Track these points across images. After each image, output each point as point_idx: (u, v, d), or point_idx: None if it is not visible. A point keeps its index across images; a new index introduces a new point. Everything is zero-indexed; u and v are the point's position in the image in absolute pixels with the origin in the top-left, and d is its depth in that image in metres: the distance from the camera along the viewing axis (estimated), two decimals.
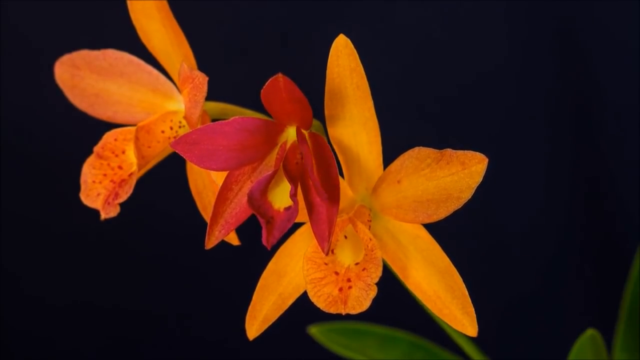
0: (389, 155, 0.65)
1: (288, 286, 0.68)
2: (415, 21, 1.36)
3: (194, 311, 1.47)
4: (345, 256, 0.64)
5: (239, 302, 0.78)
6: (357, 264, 0.63)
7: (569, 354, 0.85)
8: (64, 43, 0.81)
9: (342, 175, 0.66)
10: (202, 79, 0.64)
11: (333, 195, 0.61)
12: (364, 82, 0.63)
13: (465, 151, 0.62)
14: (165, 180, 1.10)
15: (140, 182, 0.70)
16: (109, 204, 0.68)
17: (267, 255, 0.67)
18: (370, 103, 0.64)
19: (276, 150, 0.62)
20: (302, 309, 0.72)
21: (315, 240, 0.62)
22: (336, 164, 0.61)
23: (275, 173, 0.60)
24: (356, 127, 0.64)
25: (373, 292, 0.63)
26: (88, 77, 0.73)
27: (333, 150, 0.63)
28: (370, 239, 0.63)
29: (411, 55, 1.37)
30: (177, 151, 0.60)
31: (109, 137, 0.70)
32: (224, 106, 0.72)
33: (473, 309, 0.65)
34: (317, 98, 0.65)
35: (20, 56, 1.36)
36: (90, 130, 0.76)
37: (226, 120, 0.60)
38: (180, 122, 0.71)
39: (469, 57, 1.37)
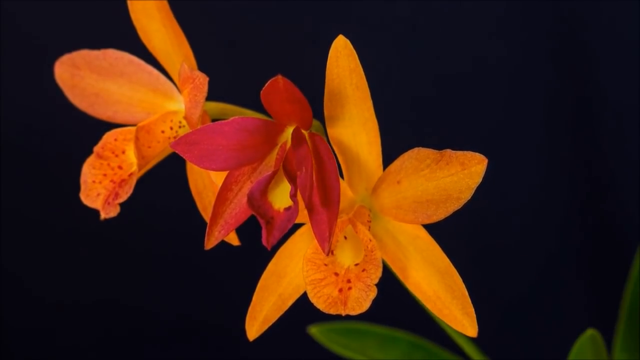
0: (389, 155, 0.65)
1: (288, 287, 0.68)
2: (415, 21, 1.36)
3: (194, 311, 1.47)
4: (345, 257, 0.64)
5: (239, 302, 0.78)
6: (356, 264, 0.63)
7: (569, 354, 0.85)
8: (64, 43, 0.81)
9: (341, 175, 0.65)
10: (202, 79, 0.64)
11: (333, 195, 0.61)
12: (363, 83, 0.63)
13: (465, 152, 0.62)
14: (165, 180, 1.10)
15: (140, 182, 0.70)
16: (109, 204, 0.68)
17: (267, 255, 0.67)
18: (369, 103, 0.64)
19: (276, 150, 0.62)
20: (302, 309, 0.72)
21: (315, 241, 0.62)
22: (336, 165, 0.61)
23: (275, 173, 0.60)
24: (356, 127, 0.64)
25: (373, 293, 0.63)
26: (88, 77, 0.73)
27: (333, 150, 0.63)
28: (370, 240, 0.63)
29: (411, 56, 1.37)
30: (177, 151, 0.60)
31: (109, 137, 0.70)
32: (224, 106, 0.72)
33: (473, 309, 0.65)
34: (317, 98, 0.65)
35: (20, 56, 1.36)
36: (90, 130, 0.75)
37: (226, 120, 0.60)
38: (180, 122, 0.71)
39: (468, 57, 1.37)
